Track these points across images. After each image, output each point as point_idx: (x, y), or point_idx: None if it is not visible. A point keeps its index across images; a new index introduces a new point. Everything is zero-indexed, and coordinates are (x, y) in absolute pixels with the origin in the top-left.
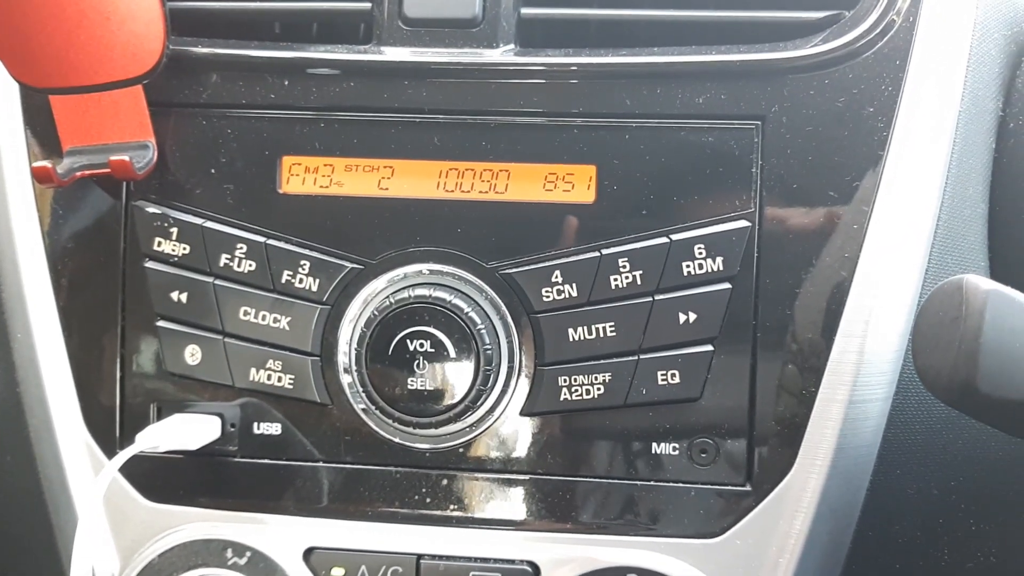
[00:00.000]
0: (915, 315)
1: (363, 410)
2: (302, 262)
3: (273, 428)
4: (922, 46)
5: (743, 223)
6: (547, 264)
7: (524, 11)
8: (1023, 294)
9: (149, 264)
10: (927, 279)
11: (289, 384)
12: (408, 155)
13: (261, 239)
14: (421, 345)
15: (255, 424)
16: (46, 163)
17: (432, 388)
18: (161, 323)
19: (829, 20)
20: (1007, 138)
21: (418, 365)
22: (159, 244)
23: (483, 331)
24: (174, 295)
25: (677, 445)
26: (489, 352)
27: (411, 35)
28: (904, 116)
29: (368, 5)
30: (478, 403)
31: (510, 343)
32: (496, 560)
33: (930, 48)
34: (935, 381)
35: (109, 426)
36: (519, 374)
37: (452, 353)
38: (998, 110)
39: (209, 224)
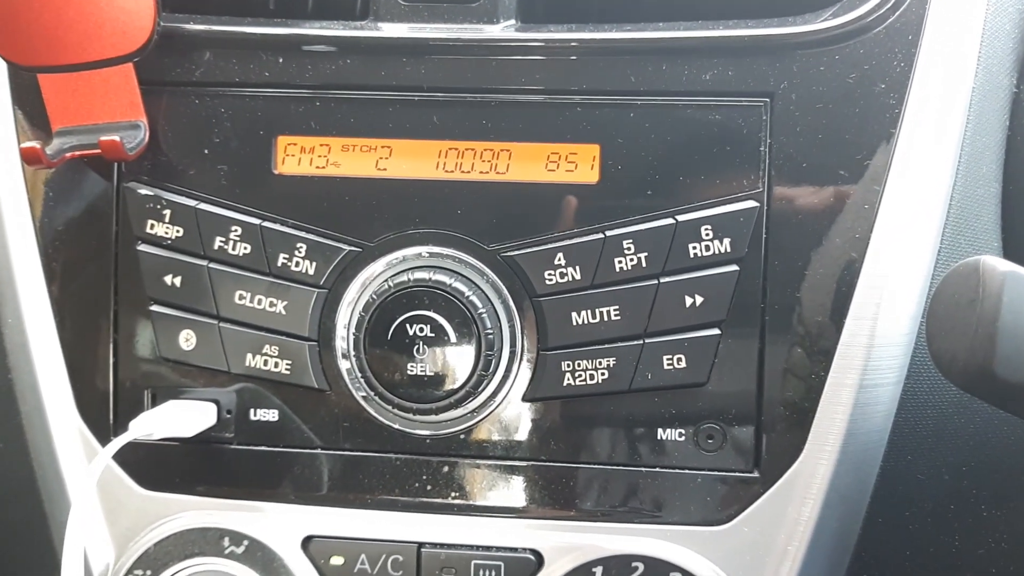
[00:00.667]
0: (929, 298)
1: (362, 396)
2: (298, 245)
3: (270, 414)
4: (935, 20)
5: (751, 203)
6: (550, 246)
7: None
8: None
9: (142, 247)
10: (939, 260)
11: (286, 370)
12: (406, 134)
13: (256, 221)
14: (421, 330)
15: (251, 410)
16: (35, 144)
17: (432, 373)
18: (155, 307)
19: None
20: (1021, 115)
21: (418, 350)
22: (152, 227)
23: (484, 315)
24: (167, 279)
25: (683, 431)
26: (490, 336)
27: (409, 10)
28: (916, 92)
29: None
30: (479, 389)
31: (512, 327)
32: (499, 548)
33: (943, 22)
34: (950, 366)
35: (102, 413)
36: (521, 359)
37: (453, 338)
38: (1012, 86)
39: (203, 206)
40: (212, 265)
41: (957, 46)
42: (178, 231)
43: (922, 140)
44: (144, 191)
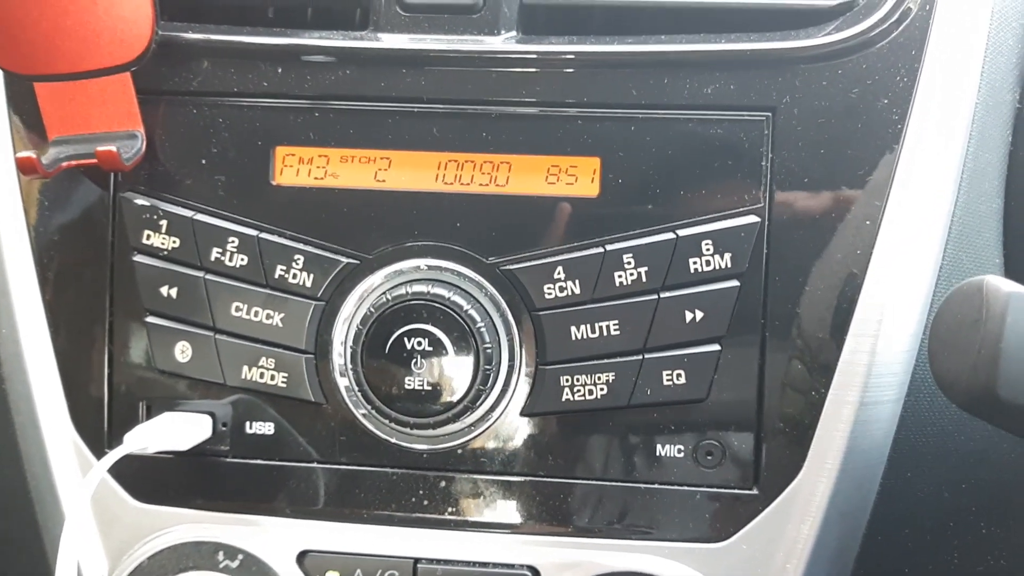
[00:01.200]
0: (931, 314)
1: (359, 411)
2: (296, 257)
3: (266, 428)
4: (938, 35)
5: (752, 218)
6: (549, 260)
7: None
8: None
9: (138, 258)
10: (941, 276)
11: (282, 383)
12: (406, 146)
13: (253, 232)
14: (419, 343)
15: (247, 423)
16: (31, 153)
17: (430, 387)
18: (150, 319)
19: (842, 8)
20: None
21: (416, 364)
22: (148, 237)
23: (483, 329)
24: (164, 290)
25: (682, 447)
26: (489, 351)
27: (409, 21)
28: (919, 108)
29: None
30: (477, 403)
31: (510, 341)
32: (495, 564)
33: (947, 37)
34: (952, 386)
35: (97, 424)
36: (519, 373)
37: (451, 352)
38: (1015, 102)
39: (200, 217)
40: (209, 276)
41: (960, 61)
42: (175, 242)
43: (925, 156)
44: (141, 201)
